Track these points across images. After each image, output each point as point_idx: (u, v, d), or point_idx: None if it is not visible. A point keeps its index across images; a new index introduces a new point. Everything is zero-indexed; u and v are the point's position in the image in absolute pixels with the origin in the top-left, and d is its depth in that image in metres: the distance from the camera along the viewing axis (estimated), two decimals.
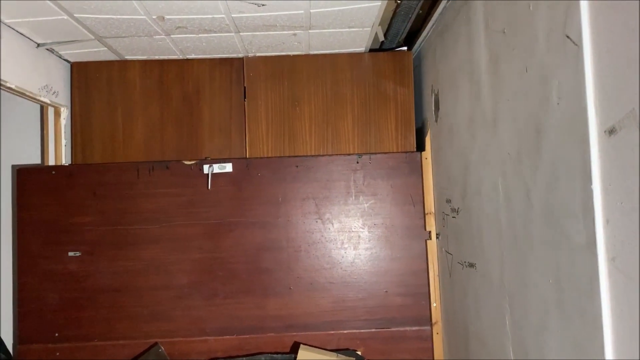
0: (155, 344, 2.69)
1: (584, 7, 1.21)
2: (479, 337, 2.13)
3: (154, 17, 2.31)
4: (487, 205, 1.95)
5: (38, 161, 3.00)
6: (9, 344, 2.90)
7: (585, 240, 1.24)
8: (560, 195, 1.37)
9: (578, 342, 1.30)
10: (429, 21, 2.52)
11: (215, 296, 2.73)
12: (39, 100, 2.69)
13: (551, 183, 1.42)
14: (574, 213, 1.29)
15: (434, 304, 2.76)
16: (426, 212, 2.79)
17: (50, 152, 2.88)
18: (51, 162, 2.87)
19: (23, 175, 2.76)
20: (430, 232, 2.78)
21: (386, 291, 2.75)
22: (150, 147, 2.91)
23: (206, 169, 2.77)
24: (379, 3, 2.27)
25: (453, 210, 2.39)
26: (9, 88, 2.43)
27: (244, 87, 2.94)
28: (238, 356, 2.70)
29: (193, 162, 2.78)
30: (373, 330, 2.73)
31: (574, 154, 1.28)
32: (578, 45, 1.23)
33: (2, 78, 2.34)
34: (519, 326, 1.70)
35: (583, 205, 1.25)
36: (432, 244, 2.77)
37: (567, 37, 1.27)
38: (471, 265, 2.17)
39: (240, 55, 2.93)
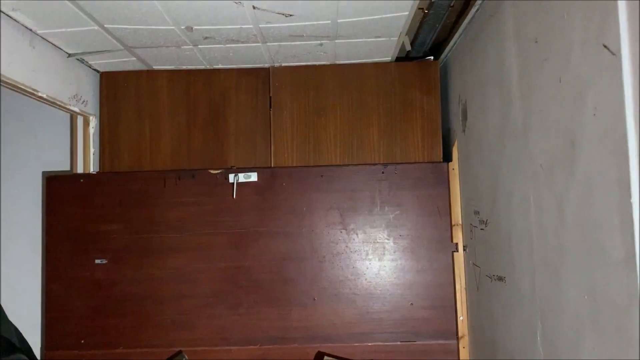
0: (180, 352, 2.69)
1: (623, 16, 1.18)
2: (507, 352, 2.08)
3: (182, 27, 2.34)
4: (517, 217, 1.91)
5: (67, 169, 3.04)
6: (36, 349, 2.94)
7: (623, 255, 1.20)
8: (596, 209, 1.33)
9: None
10: (457, 31, 2.50)
11: (239, 306, 2.73)
12: (68, 109, 2.74)
13: (586, 196, 1.38)
14: (611, 227, 1.25)
15: (461, 318, 2.71)
16: (453, 223, 2.75)
17: (79, 160, 2.93)
18: (79, 170, 2.91)
19: (52, 183, 2.80)
20: (457, 244, 2.73)
21: (412, 304, 2.71)
22: (177, 156, 2.94)
23: (231, 178, 2.78)
24: (406, 13, 2.25)
25: (481, 222, 2.35)
26: (40, 97, 2.47)
27: (270, 97, 2.95)
28: None
29: (219, 171, 2.79)
30: (398, 343, 2.69)
31: (611, 167, 1.24)
32: (616, 54, 1.20)
33: (35, 88, 2.39)
34: (551, 342, 1.65)
35: (621, 219, 1.21)
36: (459, 257, 2.73)
37: (605, 46, 1.24)
38: (500, 278, 2.12)
39: (267, 65, 2.94)
